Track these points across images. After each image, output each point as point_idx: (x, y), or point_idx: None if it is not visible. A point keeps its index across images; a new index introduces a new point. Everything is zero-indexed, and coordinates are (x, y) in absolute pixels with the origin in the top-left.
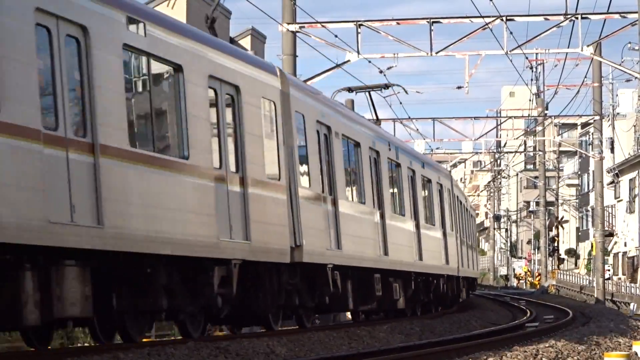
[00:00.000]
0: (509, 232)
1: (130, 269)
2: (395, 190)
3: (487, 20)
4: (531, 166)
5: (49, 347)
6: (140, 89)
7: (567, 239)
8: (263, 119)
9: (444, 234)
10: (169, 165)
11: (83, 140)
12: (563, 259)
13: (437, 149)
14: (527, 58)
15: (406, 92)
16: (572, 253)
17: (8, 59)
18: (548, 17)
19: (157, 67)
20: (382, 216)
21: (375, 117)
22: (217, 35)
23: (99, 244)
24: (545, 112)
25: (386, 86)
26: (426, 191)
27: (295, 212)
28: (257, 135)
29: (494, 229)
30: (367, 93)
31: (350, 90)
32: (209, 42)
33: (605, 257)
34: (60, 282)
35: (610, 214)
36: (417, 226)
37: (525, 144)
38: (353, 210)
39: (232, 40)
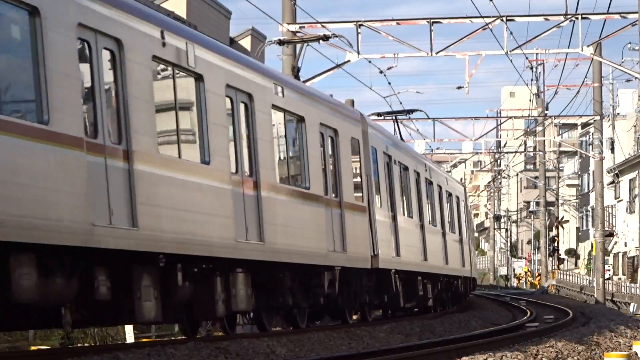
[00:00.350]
0: (509, 232)
1: (271, 274)
2: (429, 204)
3: (487, 20)
4: (531, 166)
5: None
6: (282, 137)
7: (567, 239)
8: (352, 154)
9: (461, 240)
10: (300, 195)
11: (251, 180)
12: (563, 259)
13: (437, 149)
14: (527, 58)
15: (427, 116)
16: (572, 253)
17: (214, 125)
18: (548, 17)
19: (289, 119)
20: (422, 227)
21: (400, 138)
22: (299, 79)
23: (261, 256)
24: (546, 112)
25: (411, 111)
26: (448, 203)
27: (373, 227)
28: (348, 168)
29: (494, 229)
30: (394, 118)
31: (379, 115)
32: (319, 97)
33: (606, 257)
34: (235, 285)
35: (611, 214)
36: (444, 234)
37: (525, 144)
38: (405, 224)
39: (232, 41)
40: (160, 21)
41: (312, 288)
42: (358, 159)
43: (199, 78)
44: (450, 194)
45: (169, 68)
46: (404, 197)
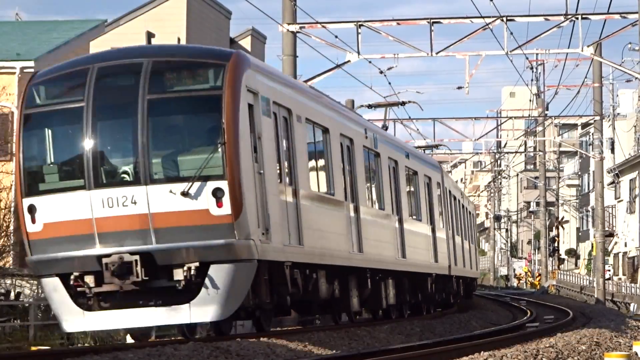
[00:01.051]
0: (509, 232)
1: (400, 279)
2: (464, 223)
3: (488, 20)
4: (531, 166)
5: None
6: (407, 185)
7: (567, 239)
8: (437, 192)
9: (475, 248)
10: (420, 226)
11: (397, 216)
12: (563, 259)
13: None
14: (527, 58)
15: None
16: (573, 253)
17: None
18: (548, 17)
19: (411, 174)
20: (462, 241)
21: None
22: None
23: (404, 268)
24: (546, 112)
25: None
26: (469, 219)
27: (448, 245)
28: (436, 203)
29: (494, 229)
30: (429, 149)
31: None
32: (424, 158)
33: (606, 258)
34: (389, 287)
35: (611, 214)
36: (470, 246)
37: (525, 144)
38: (458, 241)
39: (232, 41)
40: None
41: (422, 289)
42: (439, 196)
43: None
44: (470, 212)
45: None
46: (456, 221)
